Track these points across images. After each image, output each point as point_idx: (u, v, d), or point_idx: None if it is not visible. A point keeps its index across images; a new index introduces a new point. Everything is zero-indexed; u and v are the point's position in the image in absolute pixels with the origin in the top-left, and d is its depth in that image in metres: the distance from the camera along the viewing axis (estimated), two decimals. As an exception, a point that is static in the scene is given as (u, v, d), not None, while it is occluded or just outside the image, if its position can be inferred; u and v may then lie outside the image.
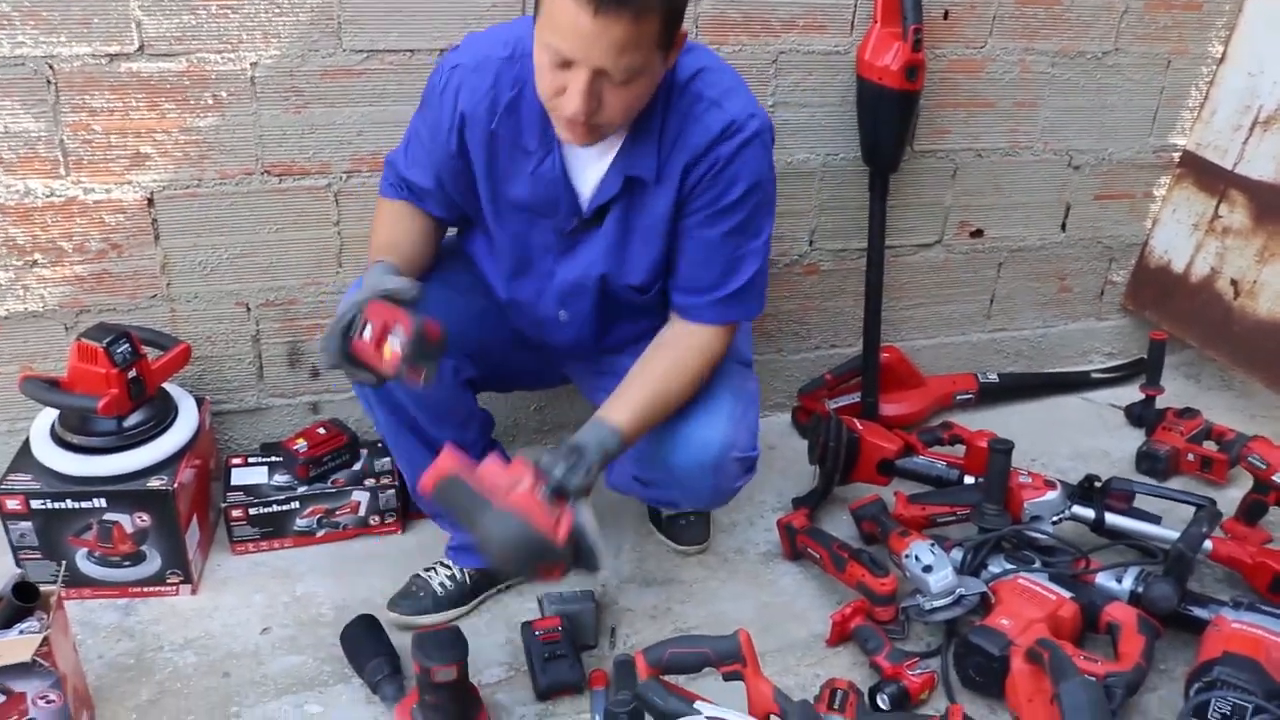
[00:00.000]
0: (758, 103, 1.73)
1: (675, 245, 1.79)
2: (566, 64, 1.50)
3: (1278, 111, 2.60)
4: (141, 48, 1.97)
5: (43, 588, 1.70)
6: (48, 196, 2.04)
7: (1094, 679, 1.69)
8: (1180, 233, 2.84)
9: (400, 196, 1.87)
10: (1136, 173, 2.82)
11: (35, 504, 1.95)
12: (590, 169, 1.74)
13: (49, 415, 2.07)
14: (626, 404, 1.72)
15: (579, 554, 1.58)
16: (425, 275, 1.84)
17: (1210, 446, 2.58)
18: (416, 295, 1.63)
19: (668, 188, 1.72)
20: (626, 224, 1.78)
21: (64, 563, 1.92)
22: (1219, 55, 2.72)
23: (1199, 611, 2.00)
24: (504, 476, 1.58)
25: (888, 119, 2.38)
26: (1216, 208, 2.75)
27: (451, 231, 2.00)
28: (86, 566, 2.02)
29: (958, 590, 1.97)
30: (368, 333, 1.58)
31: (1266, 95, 2.63)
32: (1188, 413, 2.67)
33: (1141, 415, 2.76)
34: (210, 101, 2.05)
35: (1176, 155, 2.83)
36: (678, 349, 1.80)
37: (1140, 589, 2.01)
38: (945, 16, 2.41)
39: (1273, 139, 2.61)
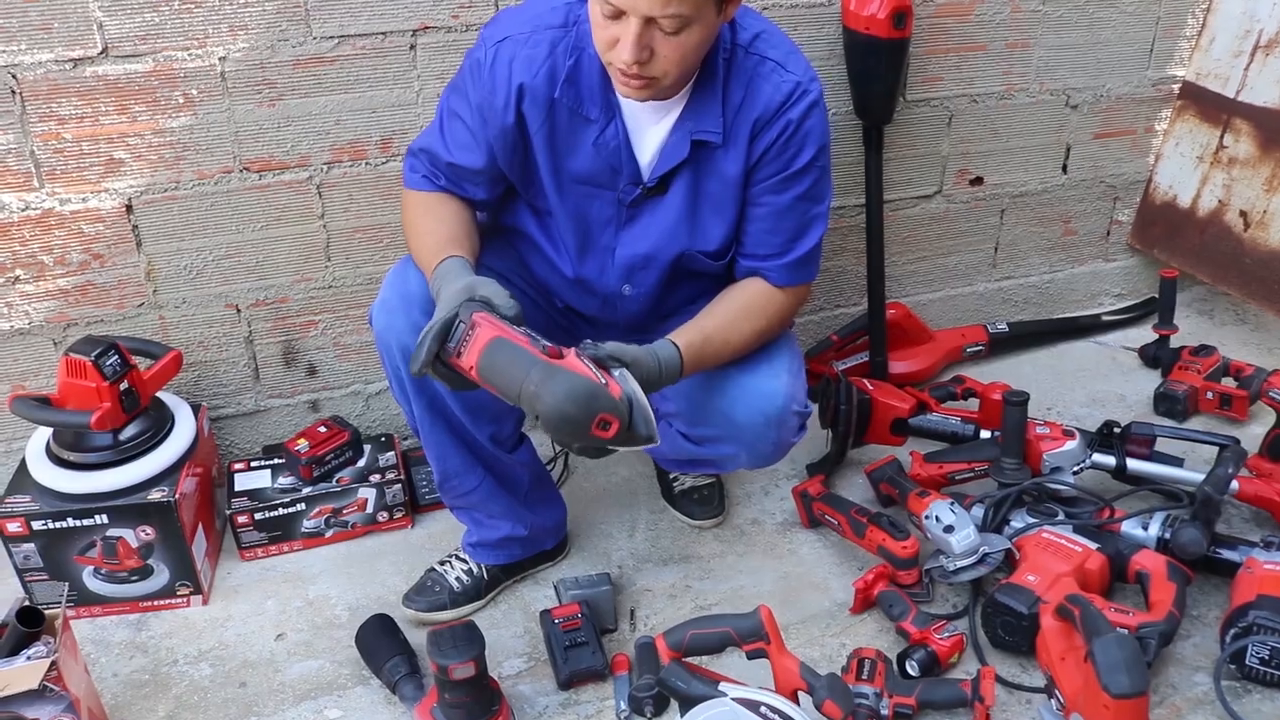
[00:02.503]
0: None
1: (744, 212, 1.79)
2: (618, 14, 1.51)
3: (1279, 34, 2.53)
4: (105, 50, 1.92)
5: (48, 611, 1.67)
6: (23, 210, 2.00)
7: (1127, 632, 1.66)
8: (1185, 166, 2.78)
9: (438, 186, 1.79)
10: (1136, 108, 2.75)
11: (36, 525, 1.92)
12: (651, 136, 1.73)
13: (44, 434, 2.03)
14: (687, 329, 1.71)
15: (632, 417, 1.51)
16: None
17: (1229, 383, 2.53)
18: (518, 315, 1.56)
19: (737, 150, 1.72)
20: (696, 190, 1.76)
21: (68, 584, 1.90)
22: (1215, -20, 2.65)
23: (1229, 554, 1.96)
24: (546, 348, 1.53)
25: (878, 69, 2.32)
26: (1221, 138, 2.69)
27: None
28: (94, 584, 2.00)
29: (981, 549, 1.94)
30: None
31: (1266, 18, 2.56)
32: (1203, 350, 2.62)
33: (1156, 355, 2.71)
34: (181, 101, 2.00)
35: (1176, 87, 2.76)
36: (748, 299, 1.80)
37: (1168, 535, 1.97)
38: (931, -41, 2.36)
39: (1275, 63, 2.54)
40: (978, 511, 2.06)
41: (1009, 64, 2.55)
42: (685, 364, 1.67)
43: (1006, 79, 2.57)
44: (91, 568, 1.98)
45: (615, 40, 1.53)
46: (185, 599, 2.04)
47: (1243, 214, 2.65)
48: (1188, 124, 2.76)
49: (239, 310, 2.21)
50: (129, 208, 2.05)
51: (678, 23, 1.50)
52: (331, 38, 2.03)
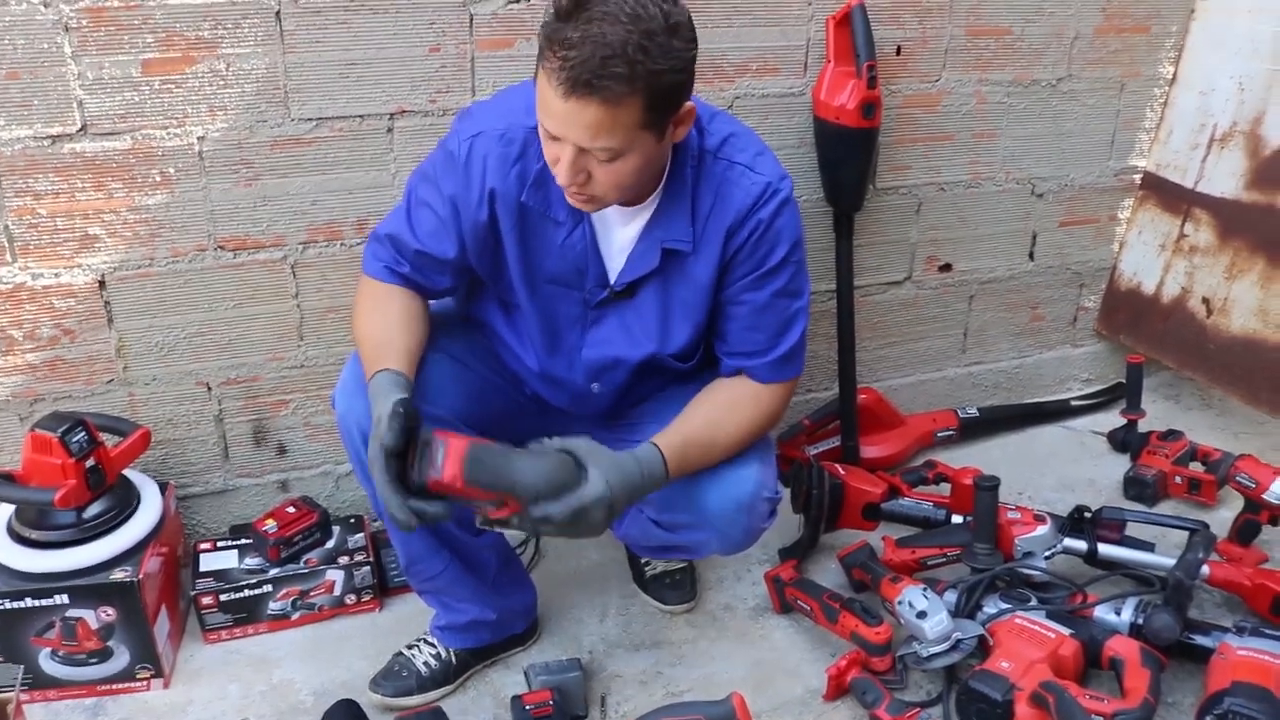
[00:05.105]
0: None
1: (722, 311, 1.78)
2: (555, 137, 1.51)
3: (1233, 128, 2.61)
4: (84, 128, 1.93)
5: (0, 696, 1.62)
6: (-6, 285, 1.99)
7: None
8: (1148, 254, 2.84)
9: (399, 275, 1.76)
10: (1099, 197, 2.82)
11: (-7, 606, 1.87)
12: (619, 240, 1.73)
13: (5, 510, 2.00)
14: (669, 434, 1.70)
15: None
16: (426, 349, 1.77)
17: (1197, 468, 2.55)
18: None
19: (708, 255, 1.71)
20: (665, 297, 1.76)
21: (22, 667, 1.85)
22: (1170, 76, 2.73)
23: (1202, 640, 1.96)
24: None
25: (848, 158, 2.36)
26: (1182, 227, 2.75)
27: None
28: (51, 667, 1.94)
29: (954, 635, 1.92)
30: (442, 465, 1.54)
31: (1220, 113, 2.64)
32: (1171, 435, 2.65)
33: (1125, 440, 2.74)
34: (158, 179, 2.00)
35: (1137, 177, 2.83)
36: (733, 398, 1.79)
37: (1140, 620, 1.97)
38: (898, 52, 2.41)
39: (1231, 155, 2.62)
40: (950, 597, 2.05)
41: (975, 154, 2.61)
42: (670, 466, 1.66)
43: (973, 168, 2.63)
44: (49, 649, 1.93)
45: (556, 159, 1.54)
46: (145, 682, 1.99)
47: (1205, 301, 2.70)
48: (1149, 213, 2.83)
49: (210, 388, 2.20)
50: (102, 283, 2.05)
51: (609, 154, 1.50)
52: (310, 119, 2.05)
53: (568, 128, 1.48)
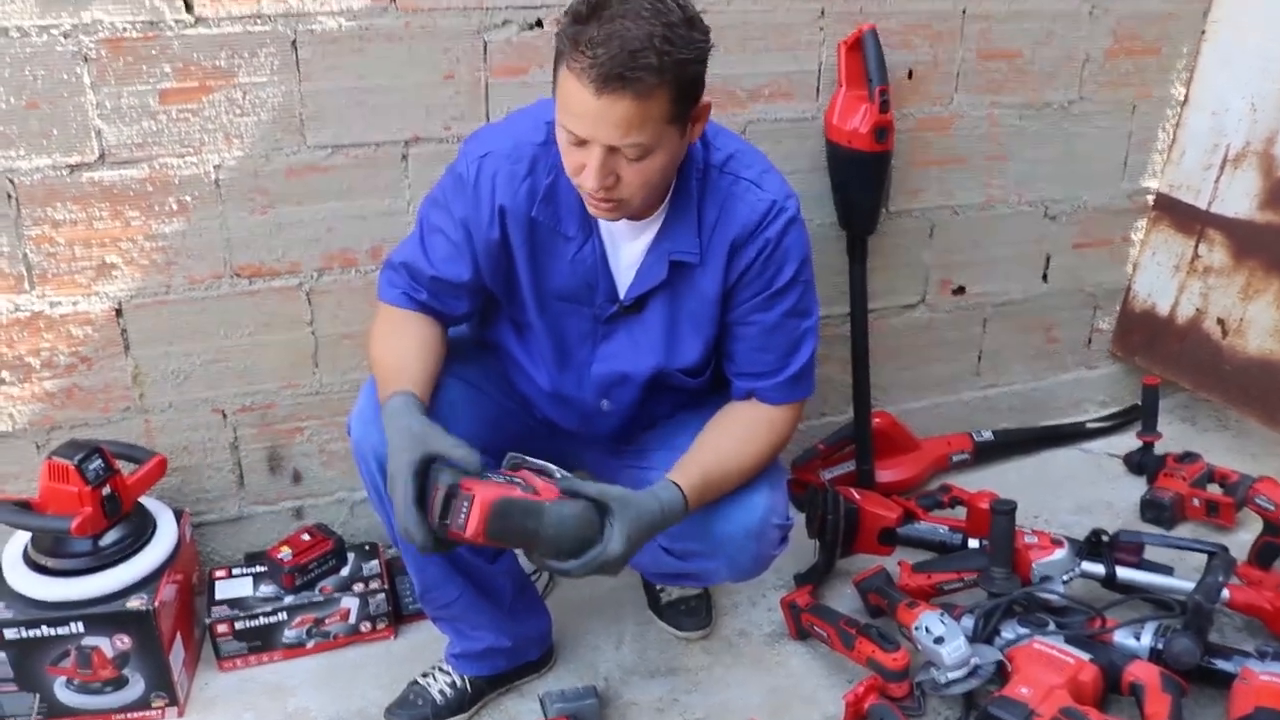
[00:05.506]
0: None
1: (731, 333, 1.78)
2: (581, 142, 1.52)
3: (1246, 148, 2.61)
4: (102, 156, 1.94)
5: (16, 726, 1.62)
6: (12, 313, 2.00)
7: (1124, 746, 1.63)
8: (1162, 275, 2.83)
9: (417, 302, 1.78)
10: (1112, 218, 2.82)
11: (9, 634, 1.87)
12: (628, 255, 1.73)
13: (22, 538, 2.00)
14: (686, 467, 1.70)
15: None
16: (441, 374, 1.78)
17: (1214, 490, 2.54)
18: (479, 468, 1.54)
19: (714, 269, 1.72)
20: (674, 310, 1.76)
21: (38, 695, 1.85)
22: (1182, 97, 2.73)
23: (1224, 664, 1.94)
24: (527, 485, 1.58)
25: (861, 181, 2.37)
26: (1196, 248, 2.74)
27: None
28: (66, 696, 1.94)
29: (972, 660, 1.91)
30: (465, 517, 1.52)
31: (1233, 133, 2.63)
32: (1188, 457, 2.63)
33: (1141, 463, 2.72)
34: (175, 207, 2.02)
35: (1150, 198, 2.83)
36: (747, 425, 1.78)
37: (1160, 645, 1.95)
38: (910, 76, 2.42)
39: (1244, 176, 2.61)
40: (968, 622, 2.03)
41: (988, 176, 2.61)
42: (690, 503, 1.66)
43: (986, 191, 2.63)
44: (64, 678, 1.92)
45: (581, 166, 1.54)
46: (160, 711, 1.99)
47: (1220, 321, 2.69)
48: (1163, 234, 2.82)
49: (225, 415, 2.20)
50: (119, 311, 2.06)
51: (639, 150, 1.51)
52: (325, 147, 2.06)
53: (598, 126, 1.48)
